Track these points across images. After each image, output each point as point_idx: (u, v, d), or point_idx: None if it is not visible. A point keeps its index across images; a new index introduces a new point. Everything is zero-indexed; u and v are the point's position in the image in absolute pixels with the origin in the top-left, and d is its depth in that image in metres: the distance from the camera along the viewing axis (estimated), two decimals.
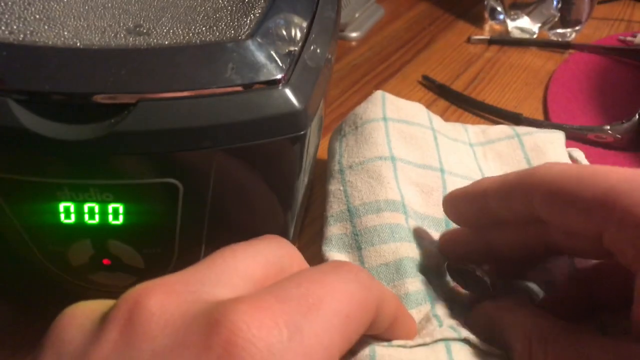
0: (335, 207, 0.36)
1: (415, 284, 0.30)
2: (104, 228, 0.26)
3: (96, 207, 0.25)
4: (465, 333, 0.27)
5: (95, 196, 0.24)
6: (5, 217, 0.25)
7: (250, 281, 0.18)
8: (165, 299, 0.17)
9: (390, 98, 0.41)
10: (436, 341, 0.27)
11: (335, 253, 0.34)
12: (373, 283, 0.20)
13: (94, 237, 0.26)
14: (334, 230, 0.35)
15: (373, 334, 0.25)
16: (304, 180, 0.29)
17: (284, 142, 0.25)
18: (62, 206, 0.25)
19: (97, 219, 0.25)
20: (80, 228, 0.26)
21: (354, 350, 0.27)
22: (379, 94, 0.41)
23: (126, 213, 0.25)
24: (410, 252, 0.32)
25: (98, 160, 0.23)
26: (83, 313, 0.18)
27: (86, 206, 0.25)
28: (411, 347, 0.26)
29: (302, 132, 0.25)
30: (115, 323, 0.17)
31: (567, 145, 0.42)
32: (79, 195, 0.24)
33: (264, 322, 0.16)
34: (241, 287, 0.18)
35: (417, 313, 0.29)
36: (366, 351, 0.27)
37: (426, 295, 0.30)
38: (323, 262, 0.34)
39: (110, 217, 0.25)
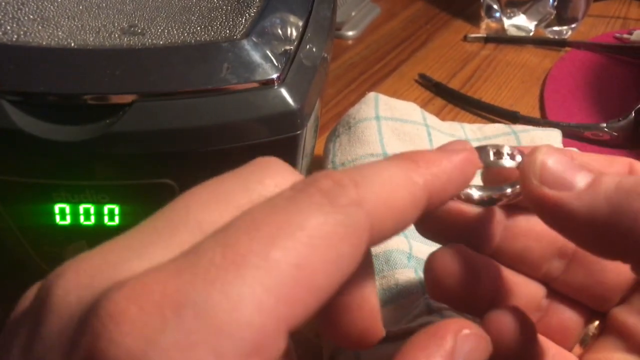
0: None
1: (405, 274, 0.31)
2: (100, 229, 0.25)
3: (92, 208, 0.25)
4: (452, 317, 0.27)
5: (90, 197, 0.24)
6: (1, 219, 0.25)
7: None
8: (73, 280, 0.13)
9: (383, 98, 0.41)
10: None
11: None
12: (351, 201, 0.14)
13: (90, 238, 0.26)
14: None
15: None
16: None
17: (280, 142, 0.25)
18: (57, 207, 0.25)
19: (93, 220, 0.25)
20: (76, 229, 0.25)
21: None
22: (372, 95, 0.41)
23: (122, 214, 0.25)
24: (400, 244, 0.32)
25: (93, 161, 0.23)
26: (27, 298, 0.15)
27: (82, 207, 0.25)
28: (399, 333, 0.27)
29: (298, 132, 0.25)
30: (25, 320, 0.14)
31: (564, 143, 0.42)
32: (74, 197, 0.24)
33: (142, 309, 0.12)
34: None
35: (408, 302, 0.29)
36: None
37: (418, 284, 0.30)
38: None
39: (106, 219, 0.25)
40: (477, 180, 0.21)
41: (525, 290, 0.24)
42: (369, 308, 0.18)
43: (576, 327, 0.24)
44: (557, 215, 0.19)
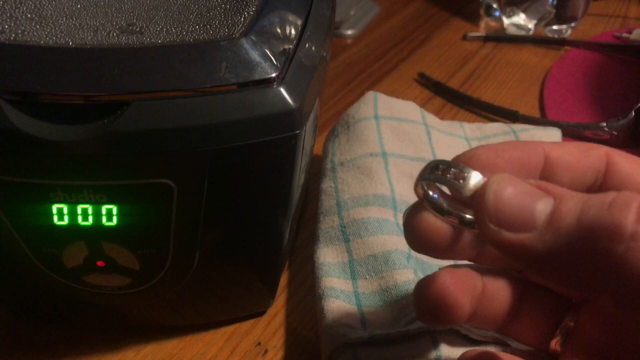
0: (325, 203, 0.36)
1: (404, 275, 0.31)
2: (98, 229, 0.25)
3: (90, 209, 0.25)
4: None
5: (88, 197, 0.24)
6: None
7: None
8: None
9: (382, 97, 0.41)
10: (422, 333, 0.27)
11: (322, 247, 0.34)
12: None
13: (88, 238, 0.26)
14: (322, 225, 0.35)
15: None
16: (299, 179, 0.29)
17: (279, 142, 0.24)
18: (55, 207, 0.25)
19: (90, 221, 0.25)
20: (74, 229, 0.25)
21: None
22: (371, 94, 0.41)
23: (120, 214, 0.25)
24: (399, 245, 0.32)
25: (91, 160, 0.23)
26: None
27: (79, 207, 0.25)
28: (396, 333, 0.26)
29: (297, 131, 0.24)
30: None
31: None
32: (72, 197, 0.24)
33: None
34: None
35: (407, 302, 0.29)
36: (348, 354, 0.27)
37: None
38: (316, 262, 0.34)
39: (104, 219, 0.25)
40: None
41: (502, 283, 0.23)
42: None
43: (552, 317, 0.23)
44: (518, 256, 0.18)
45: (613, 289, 0.17)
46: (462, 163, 0.20)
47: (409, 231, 0.21)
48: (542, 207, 0.18)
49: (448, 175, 0.19)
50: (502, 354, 0.23)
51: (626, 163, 0.21)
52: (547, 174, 0.21)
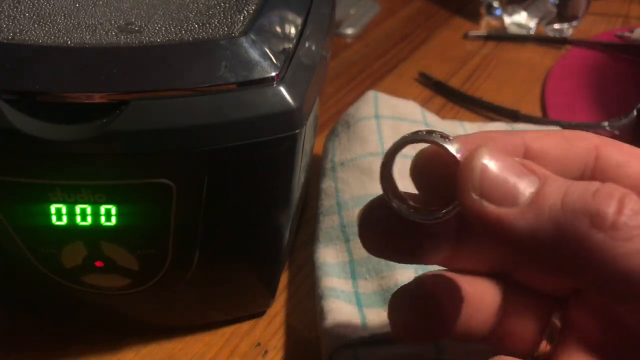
0: (325, 203, 0.36)
1: (405, 274, 0.30)
2: (97, 229, 0.25)
3: (88, 209, 0.25)
4: None
5: (87, 197, 0.24)
6: None
7: None
8: None
9: (382, 97, 0.41)
10: None
11: (322, 247, 0.34)
12: None
13: (87, 238, 0.26)
14: (322, 225, 0.35)
15: None
16: (299, 179, 0.29)
17: (279, 141, 0.24)
18: (53, 208, 0.24)
19: (89, 221, 0.25)
20: (72, 230, 0.25)
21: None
22: (371, 93, 0.41)
23: (119, 214, 0.25)
24: None
25: (90, 160, 0.23)
26: None
27: (78, 207, 0.24)
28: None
29: (297, 131, 0.24)
30: None
31: None
32: (70, 197, 0.24)
33: None
34: None
35: None
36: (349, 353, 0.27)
37: None
38: (316, 262, 0.34)
39: (103, 219, 0.25)
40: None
41: (482, 288, 0.23)
42: None
43: (539, 321, 0.22)
44: (498, 232, 0.17)
45: (591, 276, 0.17)
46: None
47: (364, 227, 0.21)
48: (527, 185, 0.17)
49: (434, 135, 0.19)
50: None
51: (617, 154, 0.20)
52: None
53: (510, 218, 0.17)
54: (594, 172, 0.20)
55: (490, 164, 0.17)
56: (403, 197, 0.21)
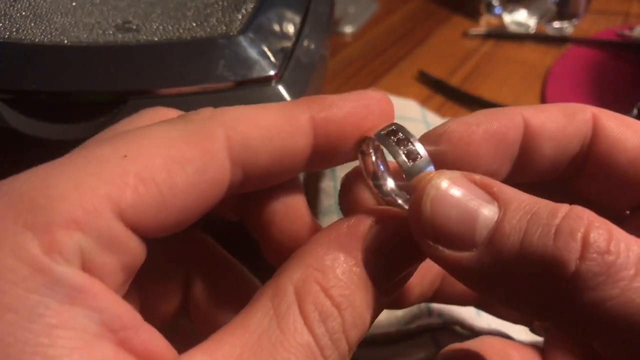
0: (324, 203, 0.36)
1: None
2: None
3: None
4: (451, 318, 0.27)
5: None
6: None
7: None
8: None
9: None
10: (421, 332, 0.27)
11: None
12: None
13: None
14: (322, 225, 0.35)
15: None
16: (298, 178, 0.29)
17: None
18: None
19: None
20: None
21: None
22: None
23: None
24: None
25: None
26: None
27: None
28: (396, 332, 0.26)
29: None
30: None
31: None
32: None
33: None
34: None
35: None
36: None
37: None
38: None
39: None
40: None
41: None
42: (295, 211, 0.19)
43: None
44: (459, 274, 0.16)
45: (556, 319, 0.16)
46: (431, 140, 0.18)
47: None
48: (484, 221, 0.16)
49: (401, 148, 0.17)
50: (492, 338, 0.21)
51: (615, 126, 0.19)
52: (527, 145, 0.19)
53: (468, 262, 0.16)
54: (592, 146, 0.19)
55: (442, 202, 0.16)
56: (383, 177, 0.19)
